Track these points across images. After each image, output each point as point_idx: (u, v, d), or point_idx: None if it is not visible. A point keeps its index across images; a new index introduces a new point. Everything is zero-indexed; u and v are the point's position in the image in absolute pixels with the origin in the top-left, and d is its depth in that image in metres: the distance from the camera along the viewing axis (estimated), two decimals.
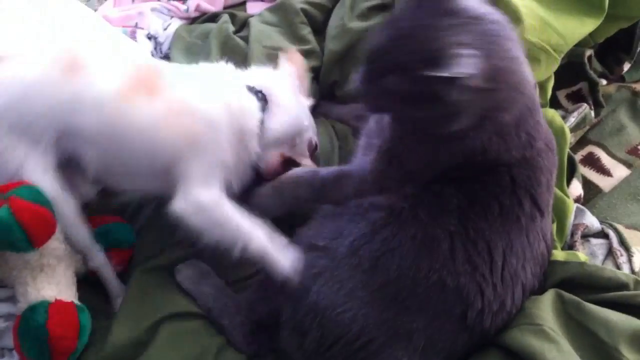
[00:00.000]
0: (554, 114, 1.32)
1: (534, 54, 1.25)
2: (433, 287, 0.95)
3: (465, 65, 0.84)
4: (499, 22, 0.96)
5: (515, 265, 1.00)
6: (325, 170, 1.15)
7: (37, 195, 1.00)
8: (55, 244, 1.07)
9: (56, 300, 1.03)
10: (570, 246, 1.24)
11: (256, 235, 1.01)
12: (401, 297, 0.96)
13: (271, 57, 1.40)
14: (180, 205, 1.01)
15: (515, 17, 1.25)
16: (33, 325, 0.99)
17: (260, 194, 1.16)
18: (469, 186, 1.01)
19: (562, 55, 1.30)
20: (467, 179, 1.01)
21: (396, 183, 1.05)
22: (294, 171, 1.16)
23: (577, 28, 1.31)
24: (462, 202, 0.99)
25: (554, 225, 1.22)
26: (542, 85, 1.33)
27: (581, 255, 1.15)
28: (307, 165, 1.21)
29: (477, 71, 0.85)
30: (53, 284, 1.05)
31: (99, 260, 1.12)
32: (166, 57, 1.56)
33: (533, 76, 1.05)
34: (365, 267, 0.97)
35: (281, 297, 1.01)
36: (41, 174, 1.03)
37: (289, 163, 1.18)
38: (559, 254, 1.14)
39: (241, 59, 1.45)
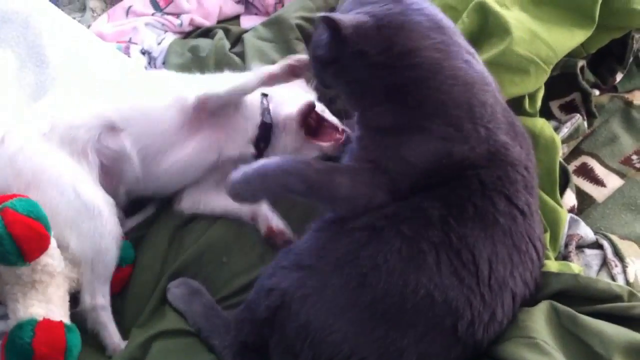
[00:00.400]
0: (543, 124, 1.32)
1: (523, 66, 1.26)
2: (421, 302, 0.94)
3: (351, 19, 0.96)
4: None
5: (503, 273, 0.98)
6: (319, 164, 1.08)
7: (32, 209, 1.00)
8: (48, 260, 1.06)
9: (44, 319, 1.02)
10: (564, 257, 1.24)
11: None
12: (390, 314, 0.95)
13: None
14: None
15: (504, 29, 1.26)
16: (19, 343, 0.99)
17: (239, 178, 1.07)
18: (441, 193, 1.00)
19: (552, 67, 1.30)
20: (438, 187, 1.00)
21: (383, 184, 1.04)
22: (280, 160, 1.09)
23: (567, 40, 1.31)
24: (441, 210, 0.98)
25: (547, 235, 1.21)
26: (532, 96, 1.33)
27: (575, 266, 1.14)
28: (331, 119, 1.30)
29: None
30: (43, 302, 1.05)
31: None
32: None
33: (492, 80, 1.06)
34: (352, 286, 0.96)
35: (268, 322, 1.00)
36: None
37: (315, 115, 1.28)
38: (552, 265, 1.13)
39: None
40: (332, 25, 0.96)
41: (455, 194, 1.00)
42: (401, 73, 0.99)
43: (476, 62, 1.05)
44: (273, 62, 1.42)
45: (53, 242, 1.05)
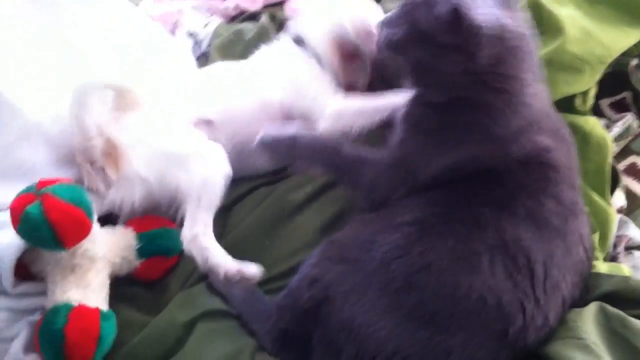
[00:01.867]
0: (594, 123, 1.30)
1: (577, 65, 1.23)
2: (473, 306, 0.92)
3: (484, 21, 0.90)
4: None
5: (557, 277, 0.97)
6: (348, 151, 1.12)
7: (73, 195, 0.99)
8: (89, 246, 1.05)
9: (79, 304, 1.02)
10: (612, 258, 1.21)
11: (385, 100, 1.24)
12: (439, 316, 0.93)
13: None
14: (325, 124, 1.25)
15: (557, 27, 1.25)
16: (51, 328, 0.98)
17: (271, 136, 1.16)
18: (486, 194, 0.99)
19: (606, 67, 1.27)
20: (479, 187, 1.00)
21: (407, 181, 1.05)
22: (313, 138, 1.17)
23: (622, 39, 1.28)
24: (492, 211, 0.97)
25: (596, 236, 1.19)
26: (583, 94, 1.31)
27: (625, 268, 1.12)
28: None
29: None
30: (80, 287, 1.04)
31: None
32: (204, 55, 1.57)
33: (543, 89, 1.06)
34: (399, 284, 0.94)
35: (311, 313, 0.99)
36: None
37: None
38: (602, 266, 1.11)
39: None
40: (465, 22, 0.90)
41: (501, 195, 0.99)
42: (483, 91, 0.98)
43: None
44: None
45: (95, 227, 1.04)
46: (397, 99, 1.21)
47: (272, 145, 1.16)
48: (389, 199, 1.06)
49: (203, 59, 1.56)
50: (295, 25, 1.38)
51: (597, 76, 1.28)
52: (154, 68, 1.43)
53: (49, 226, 0.95)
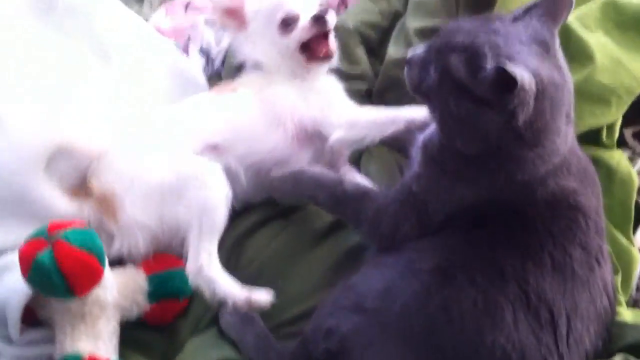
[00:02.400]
0: (620, 158, 1.25)
1: (605, 96, 1.18)
2: None
3: (529, 80, 0.83)
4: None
5: (581, 329, 0.94)
6: (350, 185, 1.11)
7: (86, 240, 0.96)
8: (100, 292, 1.02)
9: (89, 356, 0.99)
10: (635, 300, 1.19)
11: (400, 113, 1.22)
12: None
13: None
14: (338, 134, 1.22)
15: (586, 54, 1.19)
16: None
17: (278, 177, 1.18)
18: (510, 242, 0.95)
19: (634, 98, 1.22)
20: (505, 236, 0.96)
21: (413, 217, 1.02)
22: (317, 172, 1.16)
23: None
24: (515, 262, 0.93)
25: (618, 278, 1.15)
26: (609, 127, 1.26)
27: None
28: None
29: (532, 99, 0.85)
30: (91, 337, 1.01)
31: None
32: (218, 74, 1.52)
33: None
34: (420, 339, 0.92)
35: None
36: None
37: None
38: (626, 314, 1.08)
39: None
40: (508, 81, 0.82)
41: (526, 244, 0.95)
42: (518, 146, 0.92)
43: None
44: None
45: (106, 273, 1.01)
46: (412, 112, 1.21)
47: (280, 182, 1.17)
48: (394, 236, 1.03)
49: (216, 78, 1.50)
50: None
51: (625, 108, 1.23)
52: (154, 68, 1.41)
53: (62, 275, 0.92)
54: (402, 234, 1.02)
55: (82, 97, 1.23)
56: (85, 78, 1.26)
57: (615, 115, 1.24)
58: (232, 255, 1.17)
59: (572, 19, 1.20)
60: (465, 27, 0.93)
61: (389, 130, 1.22)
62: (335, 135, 1.22)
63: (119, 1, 1.44)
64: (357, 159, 1.37)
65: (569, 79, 0.95)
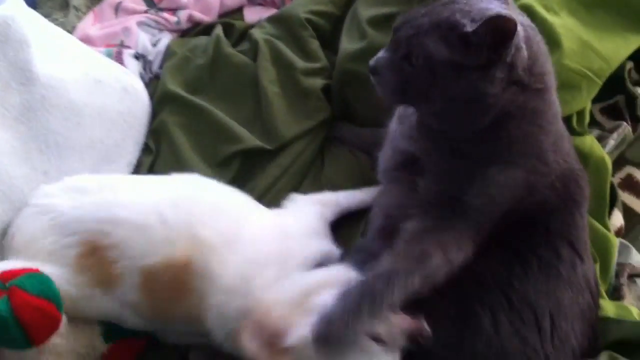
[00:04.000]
0: (592, 142, 1.22)
1: (575, 82, 1.15)
2: None
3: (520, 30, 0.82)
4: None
5: (565, 328, 0.93)
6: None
7: (43, 287, 0.90)
8: (57, 341, 0.95)
9: None
10: (615, 288, 1.16)
11: None
12: None
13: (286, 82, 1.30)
14: None
15: (553, 40, 1.14)
16: None
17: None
18: (504, 243, 0.92)
19: (605, 79, 1.18)
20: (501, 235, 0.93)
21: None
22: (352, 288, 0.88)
23: (621, 48, 1.20)
24: (500, 267, 0.91)
25: (597, 266, 1.13)
26: (579, 113, 1.23)
27: (634, 309, 1.07)
28: None
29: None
30: None
31: None
32: (157, 77, 1.41)
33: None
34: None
35: None
36: None
37: None
38: (609, 307, 1.06)
39: (240, 78, 1.33)
40: (502, 30, 0.80)
41: (521, 246, 0.93)
42: (531, 99, 0.89)
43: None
44: (291, 64, 1.32)
45: (63, 320, 0.94)
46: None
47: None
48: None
49: (155, 82, 1.40)
50: None
51: (596, 91, 1.20)
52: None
53: (19, 326, 0.87)
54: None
55: None
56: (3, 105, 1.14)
57: (586, 100, 1.21)
58: None
59: (534, 1, 1.13)
60: (420, 12, 0.88)
61: None
62: None
63: (42, 18, 1.29)
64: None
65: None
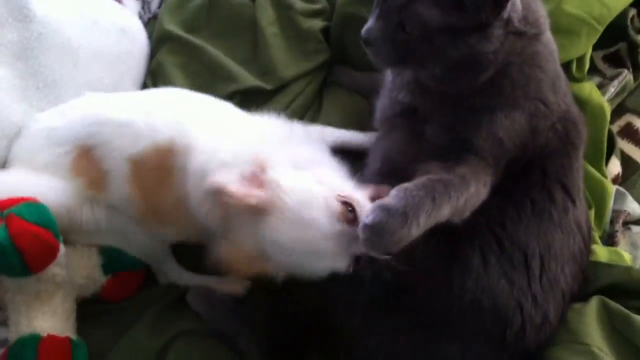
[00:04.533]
0: (591, 89, 1.22)
1: (574, 28, 1.14)
2: (468, 309, 0.89)
3: None
4: None
5: (555, 270, 0.94)
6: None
7: (40, 215, 0.90)
8: (56, 270, 0.96)
9: (48, 335, 0.94)
10: (609, 235, 1.17)
11: None
12: (433, 321, 0.90)
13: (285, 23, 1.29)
14: None
15: None
16: None
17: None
18: (500, 186, 0.91)
19: (605, 26, 1.17)
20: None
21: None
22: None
23: None
24: (492, 208, 0.91)
25: (592, 212, 1.14)
26: (579, 59, 1.22)
27: (626, 255, 1.08)
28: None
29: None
30: (48, 314, 0.96)
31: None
32: (155, 17, 1.39)
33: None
34: (390, 290, 0.90)
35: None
36: None
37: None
38: (601, 253, 1.07)
39: (238, 18, 1.32)
40: None
41: (516, 189, 0.93)
42: (529, 44, 0.89)
43: None
44: (290, 4, 1.29)
45: (62, 250, 0.94)
46: None
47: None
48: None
49: (154, 22, 1.37)
50: None
51: (596, 38, 1.19)
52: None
53: (17, 252, 0.87)
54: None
55: None
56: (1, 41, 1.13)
57: (585, 46, 1.20)
58: None
59: None
60: None
61: None
62: None
63: None
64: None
65: None
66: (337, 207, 0.80)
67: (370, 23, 0.88)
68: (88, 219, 0.98)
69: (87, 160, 0.96)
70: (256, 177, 0.83)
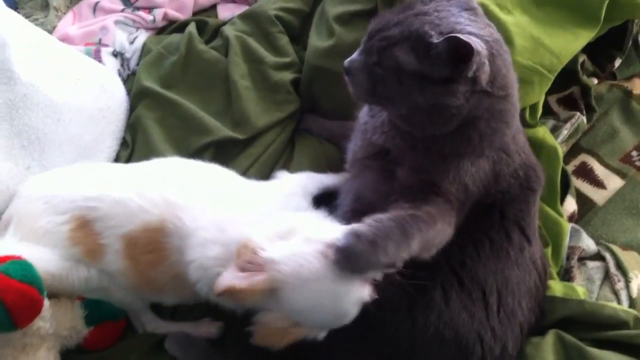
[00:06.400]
0: (545, 132, 1.29)
1: (527, 77, 1.19)
2: (431, 341, 0.94)
3: (478, 44, 0.84)
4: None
5: (512, 304, 0.99)
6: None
7: (25, 272, 0.95)
8: (40, 324, 1.00)
9: None
10: (566, 270, 1.23)
11: None
12: (399, 355, 0.95)
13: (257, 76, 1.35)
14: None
15: (506, 38, 1.15)
16: None
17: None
18: (461, 227, 0.97)
19: (556, 74, 1.24)
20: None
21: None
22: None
23: (571, 43, 1.24)
24: (453, 248, 0.96)
25: (549, 249, 1.20)
26: (532, 106, 1.28)
27: (580, 289, 1.14)
28: None
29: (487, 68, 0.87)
30: None
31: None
32: (134, 73, 1.45)
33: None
34: (361, 328, 0.92)
35: None
36: None
37: None
38: (557, 287, 1.12)
39: (211, 73, 1.38)
40: (463, 49, 0.83)
41: (476, 229, 0.99)
42: (497, 103, 0.93)
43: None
44: (261, 59, 1.36)
45: (46, 304, 0.99)
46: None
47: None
48: None
49: (133, 79, 1.43)
50: None
51: (547, 86, 1.25)
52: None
53: (4, 309, 0.91)
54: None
55: None
56: None
57: (539, 95, 1.26)
58: None
59: (488, 0, 1.19)
60: (393, 19, 0.91)
61: None
62: None
63: (22, 18, 1.33)
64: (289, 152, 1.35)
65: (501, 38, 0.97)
66: (329, 252, 0.86)
67: (354, 55, 0.95)
68: (80, 281, 1.03)
69: (85, 232, 1.01)
70: (252, 262, 0.87)
